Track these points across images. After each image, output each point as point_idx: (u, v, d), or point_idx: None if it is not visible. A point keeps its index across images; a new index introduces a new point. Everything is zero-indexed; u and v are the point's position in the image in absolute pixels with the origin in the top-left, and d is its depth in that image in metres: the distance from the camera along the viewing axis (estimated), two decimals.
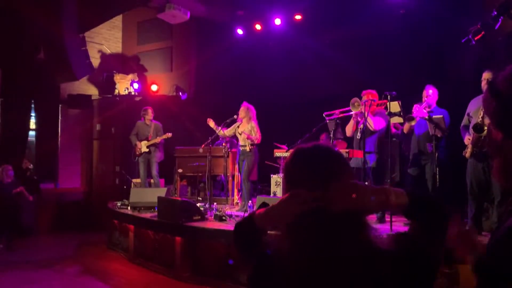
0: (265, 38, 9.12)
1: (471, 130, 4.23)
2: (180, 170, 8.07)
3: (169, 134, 7.67)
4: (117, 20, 10.73)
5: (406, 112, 5.10)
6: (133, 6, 9.25)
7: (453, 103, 5.14)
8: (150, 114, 7.77)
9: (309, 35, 8.51)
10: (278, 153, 6.34)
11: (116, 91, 10.04)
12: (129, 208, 6.72)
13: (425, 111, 4.83)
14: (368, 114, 5.05)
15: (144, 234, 6.02)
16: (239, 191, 7.25)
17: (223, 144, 7.13)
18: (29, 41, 8.57)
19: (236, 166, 6.96)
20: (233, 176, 7.61)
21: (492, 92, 0.93)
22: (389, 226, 4.49)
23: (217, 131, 6.65)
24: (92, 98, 9.95)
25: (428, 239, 1.09)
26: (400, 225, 4.54)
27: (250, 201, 6.40)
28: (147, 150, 7.67)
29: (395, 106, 5.23)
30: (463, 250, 1.25)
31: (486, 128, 4.34)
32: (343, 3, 7.83)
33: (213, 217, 5.67)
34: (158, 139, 7.66)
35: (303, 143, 1.31)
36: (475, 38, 5.19)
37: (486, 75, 4.38)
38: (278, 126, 7.95)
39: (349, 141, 6.09)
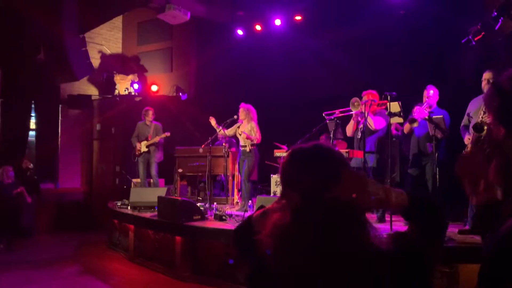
0: (265, 39, 9.13)
1: (471, 130, 4.24)
2: (180, 170, 8.08)
3: (168, 133, 7.70)
4: (117, 21, 10.74)
5: (406, 113, 5.11)
6: (133, 6, 9.25)
7: (453, 103, 5.14)
8: (150, 115, 7.84)
9: (309, 35, 8.52)
10: (278, 153, 6.36)
11: (116, 91, 10.04)
12: (129, 207, 6.72)
13: (426, 111, 4.83)
14: (369, 113, 5.06)
15: (144, 234, 6.02)
16: (239, 191, 7.25)
17: (223, 144, 7.14)
18: (29, 41, 8.58)
19: (236, 166, 6.97)
20: (233, 176, 7.62)
21: (497, 89, 0.95)
22: (389, 225, 4.50)
23: (217, 130, 6.68)
24: (92, 98, 9.95)
25: (426, 239, 1.09)
26: (400, 225, 4.54)
27: (250, 201, 6.42)
28: (146, 150, 7.70)
29: (395, 107, 5.23)
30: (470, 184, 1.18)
31: (486, 128, 4.36)
32: (343, 4, 7.83)
33: (213, 216, 5.67)
34: (157, 138, 7.70)
35: (303, 143, 1.31)
36: (475, 39, 5.20)
37: (486, 75, 4.38)
38: (278, 126, 7.96)
39: (349, 141, 6.09)
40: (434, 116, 4.78)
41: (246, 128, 6.46)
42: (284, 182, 1.21)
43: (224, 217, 5.48)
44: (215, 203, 6.55)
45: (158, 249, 5.74)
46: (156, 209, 5.93)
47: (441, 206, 1.13)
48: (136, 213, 6.41)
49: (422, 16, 7.01)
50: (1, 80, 8.72)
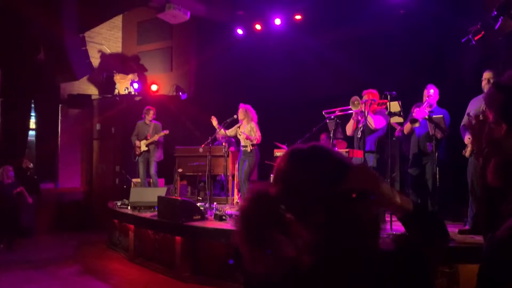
0: (265, 38, 9.12)
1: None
2: (180, 170, 8.07)
3: (166, 131, 7.71)
4: (117, 20, 10.74)
5: (406, 112, 5.10)
6: (133, 6, 9.25)
7: (453, 103, 5.13)
8: (151, 114, 7.87)
9: (309, 35, 8.52)
10: (278, 153, 6.35)
11: (116, 91, 10.04)
12: (129, 207, 6.72)
13: (426, 110, 4.82)
14: (369, 113, 5.05)
15: (144, 234, 6.02)
16: (239, 190, 7.25)
17: (223, 143, 7.14)
18: (29, 41, 8.58)
19: (236, 166, 6.97)
20: (233, 176, 7.62)
21: (499, 87, 0.96)
22: (389, 225, 4.49)
23: (218, 131, 6.68)
24: (92, 98, 9.95)
25: (426, 242, 1.09)
26: (400, 225, 4.53)
27: None
28: (146, 149, 7.71)
29: (395, 106, 5.23)
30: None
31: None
32: (343, 3, 7.83)
33: (213, 216, 5.67)
34: (156, 137, 7.71)
35: (303, 143, 1.30)
36: (475, 38, 5.20)
37: (486, 75, 4.37)
38: (278, 126, 7.96)
39: (349, 141, 6.09)
40: (434, 116, 4.77)
41: (245, 129, 6.48)
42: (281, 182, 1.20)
43: (224, 217, 5.48)
44: (215, 203, 6.55)
45: (158, 249, 5.73)
46: (156, 209, 5.93)
47: (443, 221, 1.13)
48: (136, 213, 6.41)
49: (422, 15, 7.01)
50: (1, 79, 8.72)
